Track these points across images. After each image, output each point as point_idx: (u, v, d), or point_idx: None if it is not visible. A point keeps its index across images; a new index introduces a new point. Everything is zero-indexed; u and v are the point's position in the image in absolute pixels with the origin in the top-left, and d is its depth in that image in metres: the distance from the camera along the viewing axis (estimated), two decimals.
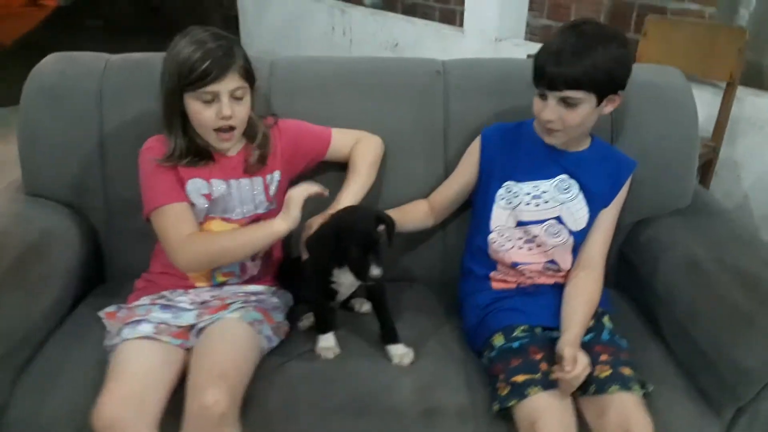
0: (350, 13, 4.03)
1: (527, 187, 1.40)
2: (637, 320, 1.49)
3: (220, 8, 5.48)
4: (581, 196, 1.40)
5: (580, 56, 1.22)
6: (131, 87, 1.50)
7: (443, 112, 1.57)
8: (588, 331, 1.32)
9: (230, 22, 5.06)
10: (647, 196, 1.58)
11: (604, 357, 1.26)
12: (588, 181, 1.40)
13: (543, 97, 1.29)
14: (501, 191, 1.42)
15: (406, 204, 1.53)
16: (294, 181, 1.44)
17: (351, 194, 1.42)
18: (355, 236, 1.23)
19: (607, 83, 1.26)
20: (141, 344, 1.23)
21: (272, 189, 1.41)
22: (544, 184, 1.40)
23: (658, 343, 1.41)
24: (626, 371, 1.23)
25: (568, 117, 1.29)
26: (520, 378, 1.21)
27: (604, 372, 1.23)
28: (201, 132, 1.31)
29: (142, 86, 1.49)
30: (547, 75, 1.25)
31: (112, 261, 1.59)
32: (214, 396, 1.11)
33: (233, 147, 1.38)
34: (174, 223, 1.31)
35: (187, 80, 1.23)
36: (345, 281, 1.33)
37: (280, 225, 1.29)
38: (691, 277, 1.38)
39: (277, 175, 1.42)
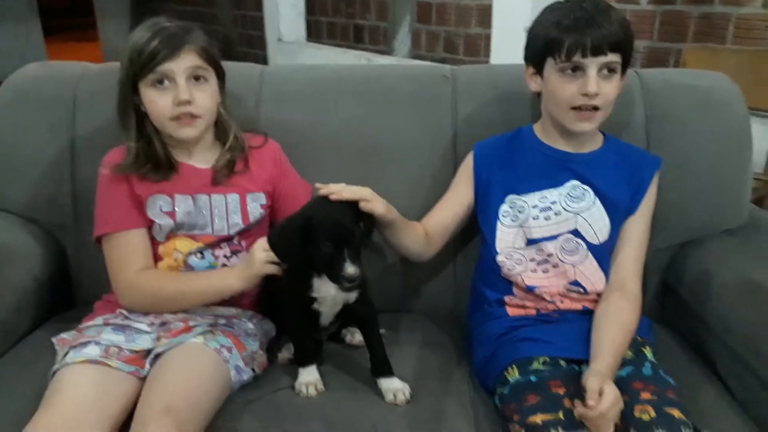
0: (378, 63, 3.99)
1: (533, 198, 1.21)
2: (685, 358, 1.23)
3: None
4: (598, 204, 1.19)
5: (611, 17, 1.09)
6: (107, 96, 1.33)
7: (452, 118, 1.39)
8: (625, 363, 1.07)
9: None
10: (692, 213, 1.36)
11: (645, 395, 1.01)
12: (604, 186, 1.19)
13: (575, 71, 1.11)
14: (504, 207, 1.23)
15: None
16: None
17: None
18: (327, 227, 1.04)
19: (632, 47, 1.12)
20: (84, 369, 1.05)
21: (253, 212, 1.24)
22: (553, 194, 1.20)
23: (713, 384, 1.16)
24: (675, 413, 0.97)
25: (608, 89, 1.12)
26: (538, 419, 0.97)
27: (647, 414, 0.97)
28: (160, 125, 1.17)
29: None
30: (588, 39, 1.08)
31: (81, 284, 1.43)
32: None
33: (204, 156, 1.23)
34: (122, 256, 1.17)
35: (138, 65, 1.10)
36: (327, 295, 1.13)
37: (235, 283, 1.15)
38: (752, 303, 1.13)
39: (260, 197, 1.25)
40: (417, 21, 4.27)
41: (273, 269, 1.12)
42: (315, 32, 5.02)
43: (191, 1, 6.50)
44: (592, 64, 1.09)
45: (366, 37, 4.65)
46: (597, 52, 1.08)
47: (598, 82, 1.10)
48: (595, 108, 1.12)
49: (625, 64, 1.14)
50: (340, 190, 1.08)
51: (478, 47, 3.83)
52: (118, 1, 7.11)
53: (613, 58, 1.10)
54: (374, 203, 1.11)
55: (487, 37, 3.40)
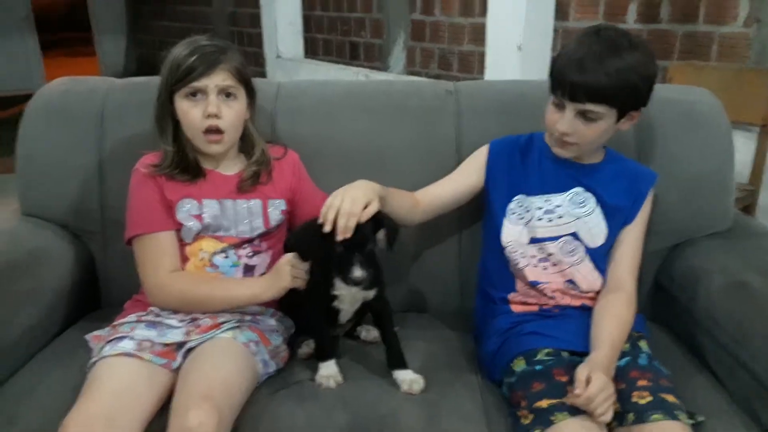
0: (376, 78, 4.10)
1: (539, 201, 1.30)
2: (678, 352, 1.32)
3: None
4: (598, 211, 1.28)
5: (605, 65, 1.12)
6: (133, 109, 1.46)
7: (455, 132, 1.49)
8: (623, 355, 1.17)
9: None
10: (681, 218, 1.45)
11: (642, 382, 1.10)
12: (605, 194, 1.28)
13: (559, 106, 1.20)
14: (512, 205, 1.32)
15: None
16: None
17: None
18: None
19: (631, 98, 1.17)
20: (120, 361, 1.12)
21: (273, 217, 1.33)
22: (557, 198, 1.29)
23: (704, 375, 1.24)
24: (669, 398, 1.06)
25: (585, 131, 1.19)
26: (543, 403, 1.06)
27: (644, 399, 1.06)
28: (190, 135, 1.25)
29: (144, 109, 1.41)
30: (569, 84, 1.15)
31: (108, 287, 1.51)
32: (198, 418, 0.99)
33: (229, 165, 1.32)
34: (153, 257, 1.24)
35: (174, 77, 1.20)
36: (347, 292, 1.21)
37: (265, 293, 1.23)
38: (737, 299, 1.22)
39: (280, 203, 1.34)
40: (411, 39, 4.39)
41: (299, 283, 1.21)
42: (312, 49, 5.14)
43: (187, 18, 6.61)
44: (570, 106, 1.17)
45: (361, 54, 4.77)
46: (574, 98, 1.15)
47: (572, 123, 1.17)
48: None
49: (623, 112, 1.18)
50: (331, 220, 1.09)
51: (472, 64, 3.95)
52: (115, 17, 7.21)
53: (593, 107, 1.14)
54: (370, 207, 1.12)
55: (480, 55, 3.52)
